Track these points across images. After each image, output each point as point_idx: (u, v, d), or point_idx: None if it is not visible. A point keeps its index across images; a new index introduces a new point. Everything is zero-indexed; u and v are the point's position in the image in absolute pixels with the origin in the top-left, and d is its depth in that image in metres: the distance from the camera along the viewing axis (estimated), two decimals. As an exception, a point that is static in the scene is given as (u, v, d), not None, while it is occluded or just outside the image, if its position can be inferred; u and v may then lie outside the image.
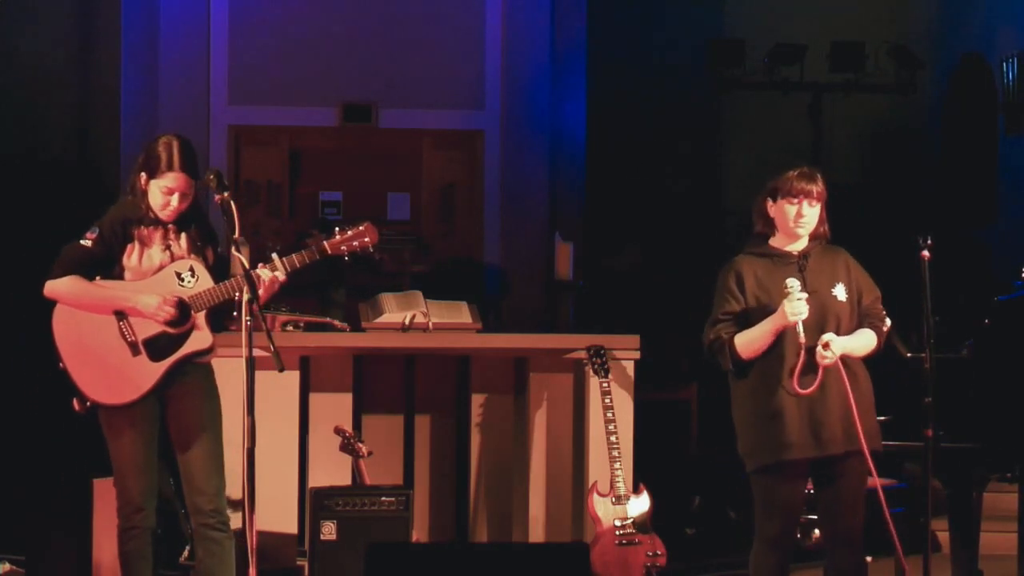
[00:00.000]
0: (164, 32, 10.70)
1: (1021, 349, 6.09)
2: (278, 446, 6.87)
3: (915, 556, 5.57)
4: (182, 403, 5.53)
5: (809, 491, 5.58)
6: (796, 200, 5.39)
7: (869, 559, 7.02)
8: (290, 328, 7.18)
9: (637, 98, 12.46)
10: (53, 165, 10.90)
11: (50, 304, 5.58)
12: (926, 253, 5.44)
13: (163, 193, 5.50)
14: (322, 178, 11.00)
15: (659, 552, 6.81)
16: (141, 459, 5.51)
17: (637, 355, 7.23)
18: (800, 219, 5.39)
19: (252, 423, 5.07)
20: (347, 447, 6.90)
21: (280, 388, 6.80)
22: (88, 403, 5.49)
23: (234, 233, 5.32)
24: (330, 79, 10.84)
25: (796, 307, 5.26)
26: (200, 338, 5.49)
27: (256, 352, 5.14)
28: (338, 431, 6.93)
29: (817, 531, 6.54)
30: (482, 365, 7.65)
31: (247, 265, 5.27)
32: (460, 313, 7.44)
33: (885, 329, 5.46)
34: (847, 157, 12.38)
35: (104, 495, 6.43)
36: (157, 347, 5.47)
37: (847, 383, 5.27)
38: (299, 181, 11.04)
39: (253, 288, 5.23)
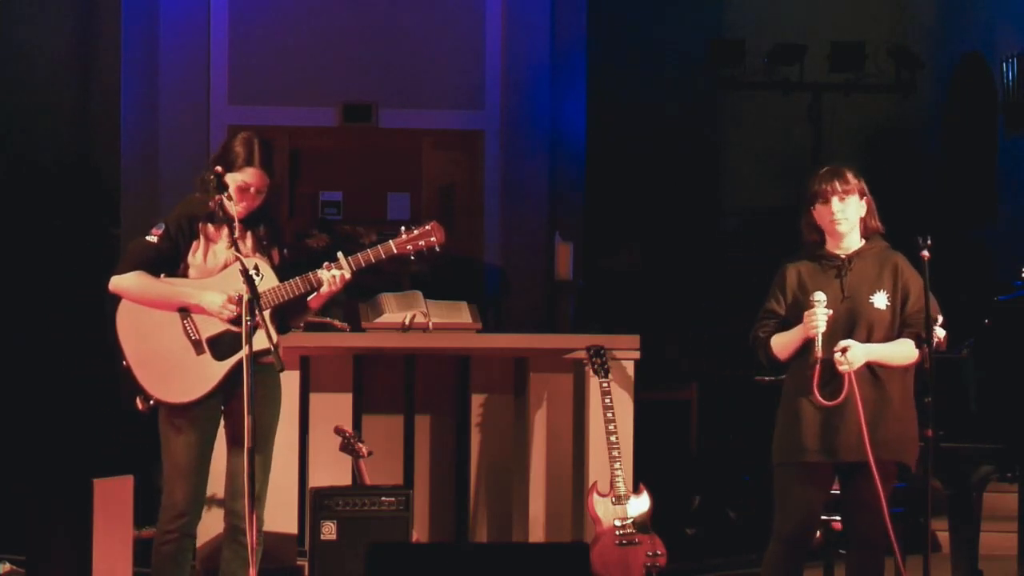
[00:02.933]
0: (164, 32, 10.69)
1: (1021, 349, 6.09)
2: (278, 446, 6.84)
3: (915, 556, 5.57)
4: (242, 404, 5.37)
5: (834, 492, 5.60)
6: (826, 199, 5.40)
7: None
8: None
9: (637, 98, 12.46)
10: (53, 165, 10.90)
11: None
12: (926, 253, 5.43)
13: (239, 188, 5.45)
14: (322, 178, 10.99)
15: (659, 552, 6.81)
16: (194, 463, 5.47)
17: (637, 355, 7.22)
18: (833, 215, 5.39)
19: (252, 423, 5.06)
20: (347, 447, 6.90)
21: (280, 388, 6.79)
22: (151, 402, 5.43)
23: (234, 234, 5.32)
24: (330, 79, 10.83)
25: (812, 320, 5.31)
26: (264, 337, 5.33)
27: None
28: (338, 431, 6.93)
29: (818, 532, 6.53)
30: (482, 365, 7.65)
31: (246, 265, 5.26)
32: (460, 313, 7.44)
33: (935, 339, 5.36)
34: (847, 157, 12.33)
35: (104, 495, 6.43)
36: (221, 346, 5.41)
37: (857, 391, 5.27)
38: (299, 181, 11.03)
39: (254, 289, 5.22)
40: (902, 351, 5.37)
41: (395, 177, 11.01)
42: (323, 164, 11.01)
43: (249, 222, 5.50)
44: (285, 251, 5.64)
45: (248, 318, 5.18)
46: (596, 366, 7.00)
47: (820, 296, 5.32)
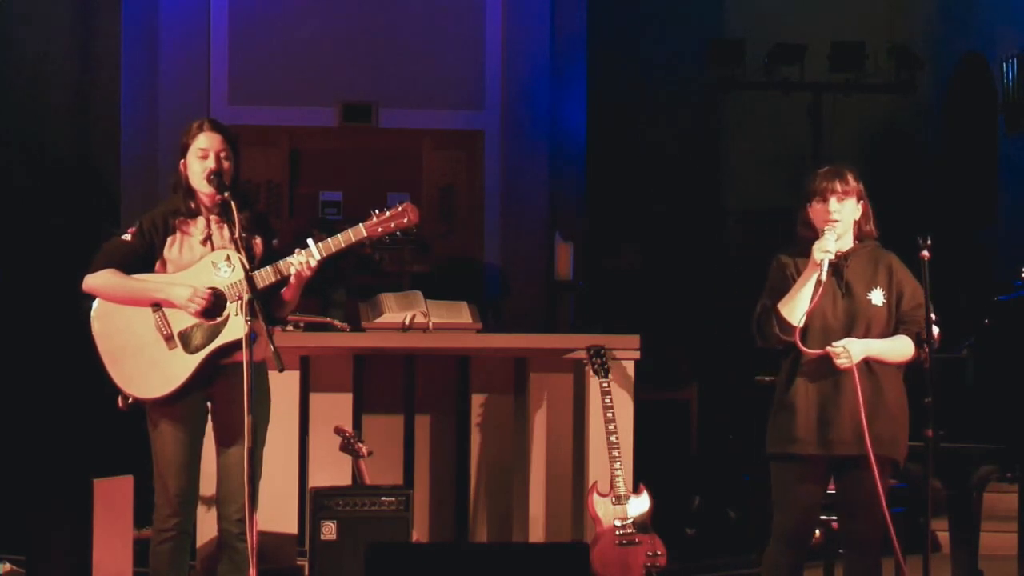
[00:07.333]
0: (164, 32, 10.70)
1: (1021, 349, 6.09)
2: (278, 446, 6.85)
3: (915, 556, 5.57)
4: (227, 404, 5.39)
5: (830, 492, 5.58)
6: (824, 198, 5.39)
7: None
8: (290, 328, 7.18)
9: (637, 98, 12.47)
10: (53, 165, 10.91)
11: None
12: (926, 253, 5.43)
13: (200, 158, 5.41)
14: (322, 178, 11.00)
15: (659, 552, 6.81)
16: (181, 459, 5.41)
17: (637, 355, 7.22)
18: (830, 215, 5.37)
19: (252, 423, 5.06)
20: (347, 447, 6.90)
21: (280, 388, 6.78)
22: (129, 399, 5.40)
23: (234, 233, 5.31)
24: (330, 79, 10.84)
25: (824, 244, 5.28)
26: (235, 328, 5.34)
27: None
28: (338, 431, 6.93)
29: (817, 531, 6.53)
30: (482, 365, 7.65)
31: (247, 266, 5.25)
32: (460, 313, 7.44)
33: (927, 337, 5.36)
34: (847, 157, 12.32)
35: (104, 495, 6.43)
36: (192, 339, 5.37)
37: (859, 386, 5.27)
38: (299, 181, 11.04)
39: (254, 288, 5.21)
40: (899, 348, 5.37)
41: (395, 177, 11.02)
42: (323, 164, 11.02)
43: (225, 214, 5.39)
44: (275, 241, 5.59)
45: (248, 318, 5.17)
46: (596, 366, 7.00)
47: (830, 226, 5.31)
